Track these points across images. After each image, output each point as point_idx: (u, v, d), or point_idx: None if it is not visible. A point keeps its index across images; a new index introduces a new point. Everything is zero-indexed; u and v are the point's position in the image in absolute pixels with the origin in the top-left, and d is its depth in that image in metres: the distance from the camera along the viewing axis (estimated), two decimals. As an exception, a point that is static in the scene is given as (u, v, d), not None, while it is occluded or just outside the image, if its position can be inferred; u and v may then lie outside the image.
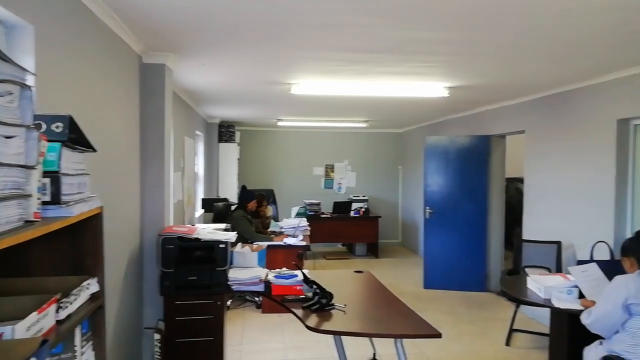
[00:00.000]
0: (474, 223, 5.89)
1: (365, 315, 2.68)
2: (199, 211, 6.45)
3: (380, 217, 8.11)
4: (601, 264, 3.12)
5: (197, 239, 3.07)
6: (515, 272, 4.36)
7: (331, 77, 4.11)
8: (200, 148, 6.99)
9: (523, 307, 4.41)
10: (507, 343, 4.11)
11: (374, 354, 3.15)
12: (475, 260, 5.86)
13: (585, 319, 2.56)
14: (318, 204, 7.96)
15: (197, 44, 3.15)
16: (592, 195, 3.98)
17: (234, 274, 3.08)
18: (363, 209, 8.04)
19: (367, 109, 6.47)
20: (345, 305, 2.57)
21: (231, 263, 3.21)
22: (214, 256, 3.06)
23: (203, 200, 6.70)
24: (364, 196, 8.56)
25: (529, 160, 5.03)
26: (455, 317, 4.84)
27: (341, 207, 8.01)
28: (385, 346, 2.45)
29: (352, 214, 7.97)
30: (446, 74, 3.99)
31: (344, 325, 2.45)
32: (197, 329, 3.06)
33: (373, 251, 8.11)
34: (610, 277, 2.67)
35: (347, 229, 7.93)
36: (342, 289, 2.90)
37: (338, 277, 3.64)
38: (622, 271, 2.58)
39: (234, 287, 3.07)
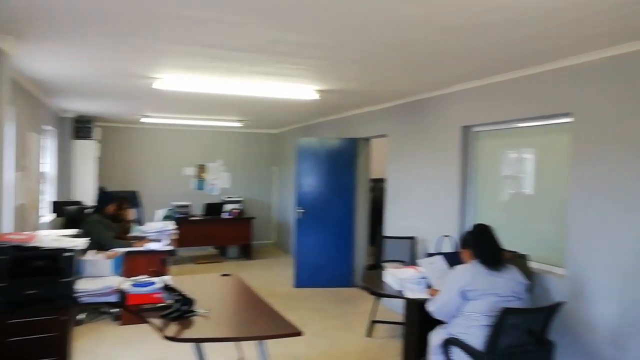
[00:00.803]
0: (342, 222, 6.17)
1: (228, 320, 2.62)
2: (49, 216, 5.74)
3: (254, 218, 8.07)
4: (447, 255, 3.47)
5: (36, 248, 2.70)
6: (375, 267, 4.66)
7: (197, 73, 3.96)
8: (50, 145, 6.24)
9: (383, 299, 4.73)
10: (369, 334, 4.36)
11: (241, 357, 3.10)
12: (343, 257, 6.14)
13: (430, 307, 2.82)
14: (188, 206, 7.64)
15: (43, 28, 2.79)
16: (442, 194, 4.42)
17: (83, 285, 2.77)
18: (237, 210, 7.92)
19: (239, 109, 6.38)
20: (208, 310, 2.48)
21: (82, 273, 2.90)
22: (58, 266, 2.72)
23: (54, 203, 5.98)
24: (238, 197, 8.46)
25: (390, 162, 5.42)
26: (323, 314, 5.01)
27: (213, 209, 7.79)
28: (252, 348, 2.42)
29: (225, 215, 7.80)
30: (316, 77, 4.10)
31: (205, 331, 2.35)
32: (36, 349, 2.68)
33: (246, 253, 8.02)
34: (454, 267, 2.98)
35: (219, 231, 7.75)
36: (206, 294, 2.80)
37: (204, 282, 3.51)
38: (464, 262, 2.89)
39: (83, 300, 2.76)
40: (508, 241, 3.40)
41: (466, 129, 4.23)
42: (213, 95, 4.92)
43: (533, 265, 3.41)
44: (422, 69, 3.67)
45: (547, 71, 3.34)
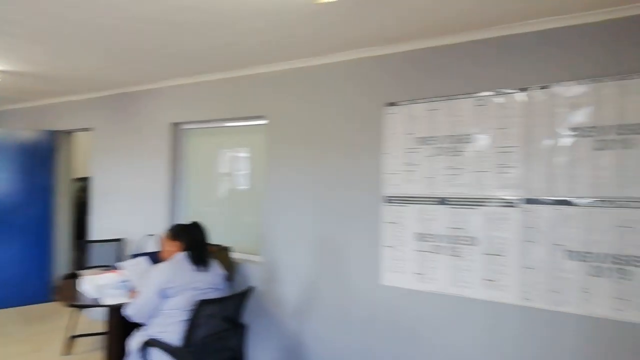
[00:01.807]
0: (39, 228, 5.27)
1: None
2: None
3: None
4: (152, 255, 3.36)
5: None
6: (75, 276, 4.14)
7: None
8: None
9: (86, 310, 4.25)
10: (66, 352, 3.85)
11: None
12: (39, 269, 5.25)
13: (127, 311, 2.67)
14: None
15: None
16: (151, 193, 4.27)
17: None
18: None
19: None
20: None
21: None
22: None
23: None
24: None
25: (95, 158, 4.92)
26: (5, 339, 4.15)
27: None
28: None
29: None
30: (-13, 53, 3.34)
31: None
32: None
33: None
34: (156, 266, 2.89)
35: None
36: None
37: None
38: (167, 254, 2.84)
39: None
40: (218, 235, 3.55)
41: (175, 126, 4.21)
42: None
43: (238, 255, 3.66)
44: (129, 60, 3.45)
45: (246, 75, 3.63)
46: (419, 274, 2.83)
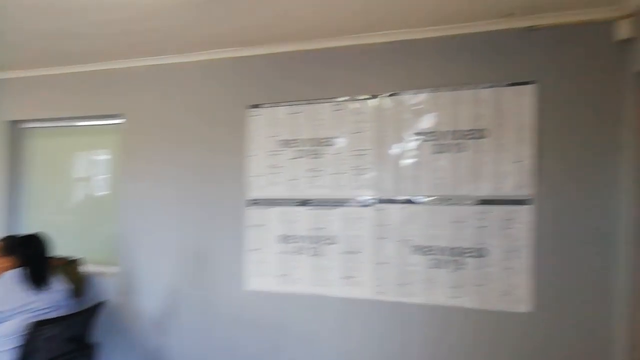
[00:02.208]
0: None
1: None
2: None
3: None
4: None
5: None
6: None
7: None
8: None
9: None
10: None
11: None
12: None
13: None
14: None
15: None
16: (-18, 200, 3.68)
17: None
18: None
19: None
20: None
21: None
22: None
23: None
24: None
25: None
26: None
27: None
28: None
29: None
30: None
31: None
32: None
33: None
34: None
35: None
36: None
37: None
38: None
39: None
40: (68, 246, 3.19)
41: (13, 124, 3.69)
42: None
43: (91, 268, 3.32)
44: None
45: (101, 70, 3.31)
46: (283, 275, 2.86)
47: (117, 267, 3.28)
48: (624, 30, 2.23)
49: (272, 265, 2.88)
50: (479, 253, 2.49)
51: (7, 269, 2.44)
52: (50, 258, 2.59)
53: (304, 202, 2.82)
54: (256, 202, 2.92)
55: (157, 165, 3.17)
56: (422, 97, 2.60)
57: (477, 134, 2.49)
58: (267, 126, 2.90)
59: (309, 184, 2.81)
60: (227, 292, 2.97)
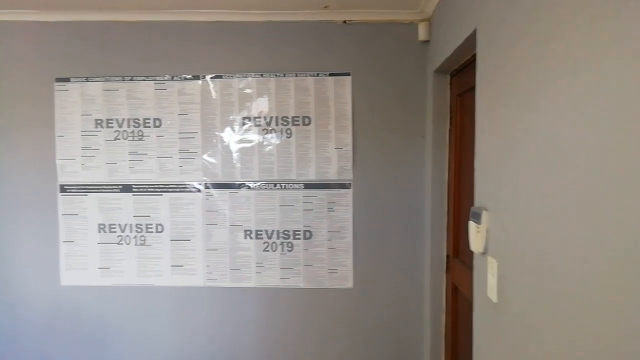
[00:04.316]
0: None
1: None
2: None
3: None
4: None
5: None
6: None
7: None
8: None
9: None
10: None
11: None
12: None
13: None
14: None
15: None
16: None
17: None
18: None
19: None
20: None
21: None
22: None
23: None
24: None
25: None
26: None
27: None
28: None
29: None
30: None
31: None
32: None
33: None
34: None
35: None
36: None
37: None
38: None
39: None
40: None
41: None
42: None
43: None
44: None
45: None
46: (105, 268, 2.61)
47: None
48: (422, 33, 2.45)
49: (92, 258, 2.61)
50: (307, 235, 2.57)
51: None
52: None
53: (126, 188, 2.59)
54: (69, 188, 2.59)
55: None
56: (248, 81, 2.54)
57: (302, 120, 2.54)
58: (78, 103, 2.57)
59: (131, 169, 2.58)
60: (41, 289, 2.62)
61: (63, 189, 2.59)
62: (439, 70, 2.28)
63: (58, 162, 2.58)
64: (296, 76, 2.52)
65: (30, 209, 2.60)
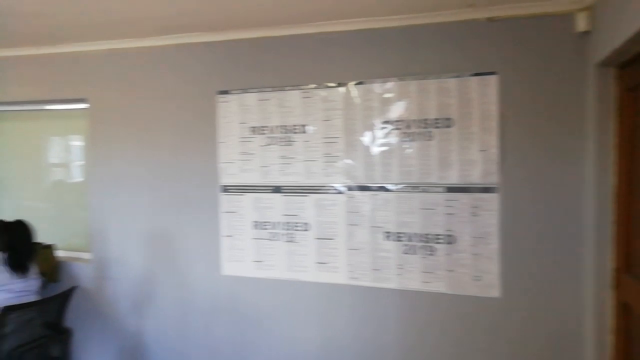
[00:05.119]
0: None
1: None
2: None
3: None
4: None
5: None
6: None
7: None
8: None
9: None
10: None
11: None
12: None
13: None
14: None
15: None
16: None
17: None
18: None
19: None
20: None
21: None
22: None
23: None
24: None
25: None
26: None
27: None
28: None
29: None
30: None
31: None
32: None
33: None
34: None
35: None
36: None
37: None
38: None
39: None
40: (43, 232, 3.18)
41: (-19, 109, 3.62)
42: None
43: (64, 253, 3.33)
44: None
45: (64, 53, 3.23)
46: (258, 261, 2.88)
47: (90, 253, 3.29)
48: (582, 23, 2.20)
49: (248, 251, 2.90)
50: (449, 239, 2.51)
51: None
52: (35, 244, 2.61)
53: (277, 189, 2.82)
54: (229, 188, 2.91)
55: (126, 151, 3.13)
56: (389, 86, 2.57)
57: (443, 122, 2.48)
58: (237, 113, 2.87)
59: (281, 171, 2.80)
60: (204, 277, 3.00)
61: (224, 189, 2.92)
62: (604, 64, 2.05)
63: (221, 165, 2.92)
64: (437, 78, 2.48)
65: (198, 206, 2.98)
